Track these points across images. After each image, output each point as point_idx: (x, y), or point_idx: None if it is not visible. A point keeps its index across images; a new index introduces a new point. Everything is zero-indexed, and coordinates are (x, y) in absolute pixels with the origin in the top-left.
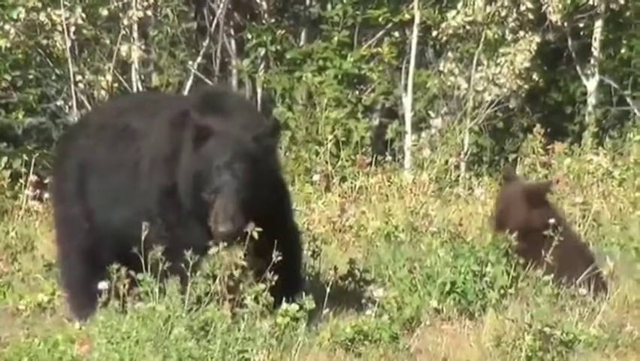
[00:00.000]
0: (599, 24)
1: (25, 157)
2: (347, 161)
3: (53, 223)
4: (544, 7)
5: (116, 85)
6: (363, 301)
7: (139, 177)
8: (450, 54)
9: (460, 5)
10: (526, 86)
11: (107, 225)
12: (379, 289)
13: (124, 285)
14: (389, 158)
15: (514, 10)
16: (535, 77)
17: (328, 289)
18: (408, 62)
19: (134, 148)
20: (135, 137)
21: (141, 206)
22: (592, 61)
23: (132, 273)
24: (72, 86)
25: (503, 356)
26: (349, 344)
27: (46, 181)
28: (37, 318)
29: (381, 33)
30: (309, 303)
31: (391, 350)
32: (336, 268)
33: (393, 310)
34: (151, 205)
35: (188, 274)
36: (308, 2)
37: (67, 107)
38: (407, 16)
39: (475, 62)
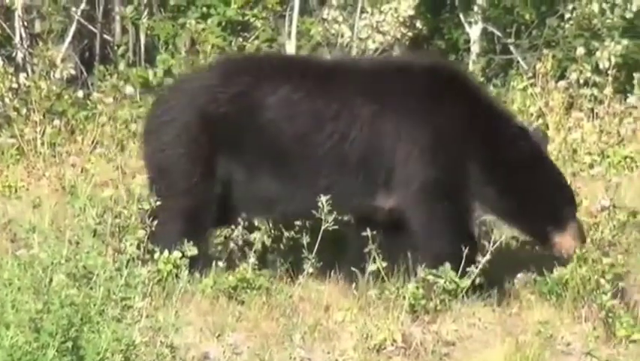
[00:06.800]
0: None
1: None
2: None
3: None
4: None
5: None
6: (246, 249)
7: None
8: (334, 2)
9: None
10: (409, 34)
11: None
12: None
13: None
14: None
15: None
16: (418, 24)
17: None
18: (291, 9)
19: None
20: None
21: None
22: (475, 9)
23: None
24: None
25: (386, 303)
26: (232, 291)
27: None
28: None
29: None
30: (191, 250)
31: (274, 297)
32: None
33: (276, 258)
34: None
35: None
36: None
37: None
38: None
39: (358, 9)
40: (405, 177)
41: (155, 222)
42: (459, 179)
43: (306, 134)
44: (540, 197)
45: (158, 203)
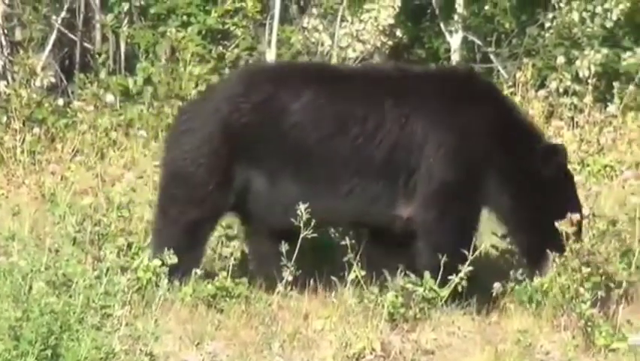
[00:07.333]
0: None
1: None
2: None
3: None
4: None
5: None
6: (225, 257)
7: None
8: (314, 10)
9: None
10: (390, 43)
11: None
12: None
13: None
14: None
15: None
16: (398, 33)
17: None
18: (272, 17)
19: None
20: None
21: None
22: (456, 17)
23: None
24: None
25: (365, 312)
26: (211, 300)
27: None
28: None
29: None
30: (171, 258)
31: (253, 306)
32: None
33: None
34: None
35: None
36: None
37: None
38: None
39: (339, 18)
40: (426, 176)
41: (155, 228)
42: (477, 183)
43: (332, 139)
44: (551, 219)
45: (164, 210)
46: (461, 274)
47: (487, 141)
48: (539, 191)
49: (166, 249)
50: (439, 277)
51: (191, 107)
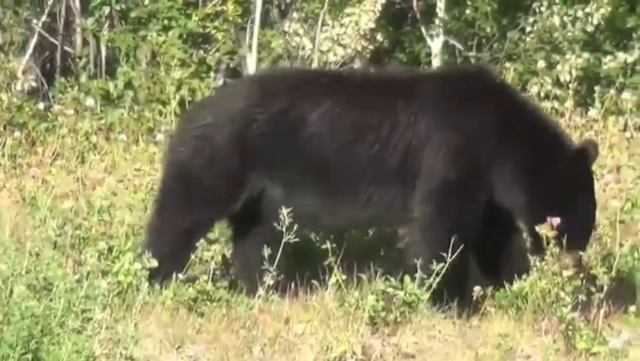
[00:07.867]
0: None
1: None
2: None
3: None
4: None
5: None
6: (206, 261)
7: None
8: (295, 14)
9: None
10: (370, 47)
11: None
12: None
13: None
14: None
15: None
16: (379, 37)
17: None
18: (252, 21)
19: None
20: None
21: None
22: (437, 22)
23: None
24: None
25: (346, 316)
26: (192, 303)
27: None
28: None
29: None
30: (151, 262)
31: (234, 309)
32: None
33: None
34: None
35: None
36: None
37: None
38: None
39: (320, 22)
40: (428, 174)
41: (150, 226)
42: (479, 183)
43: (349, 148)
44: (564, 213)
45: (162, 210)
46: (440, 274)
47: (493, 138)
48: (556, 186)
49: (158, 248)
50: (418, 278)
51: (203, 111)
